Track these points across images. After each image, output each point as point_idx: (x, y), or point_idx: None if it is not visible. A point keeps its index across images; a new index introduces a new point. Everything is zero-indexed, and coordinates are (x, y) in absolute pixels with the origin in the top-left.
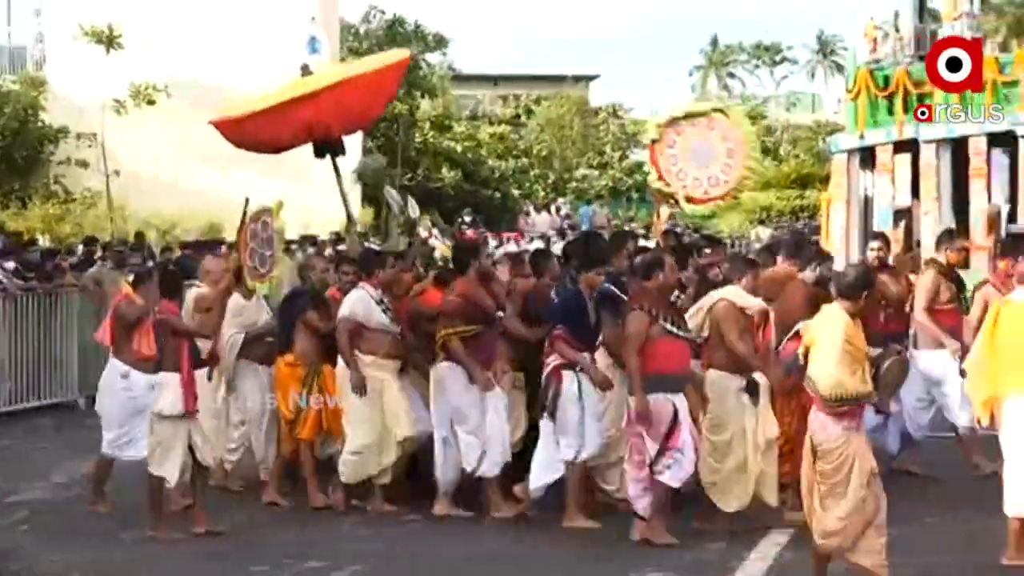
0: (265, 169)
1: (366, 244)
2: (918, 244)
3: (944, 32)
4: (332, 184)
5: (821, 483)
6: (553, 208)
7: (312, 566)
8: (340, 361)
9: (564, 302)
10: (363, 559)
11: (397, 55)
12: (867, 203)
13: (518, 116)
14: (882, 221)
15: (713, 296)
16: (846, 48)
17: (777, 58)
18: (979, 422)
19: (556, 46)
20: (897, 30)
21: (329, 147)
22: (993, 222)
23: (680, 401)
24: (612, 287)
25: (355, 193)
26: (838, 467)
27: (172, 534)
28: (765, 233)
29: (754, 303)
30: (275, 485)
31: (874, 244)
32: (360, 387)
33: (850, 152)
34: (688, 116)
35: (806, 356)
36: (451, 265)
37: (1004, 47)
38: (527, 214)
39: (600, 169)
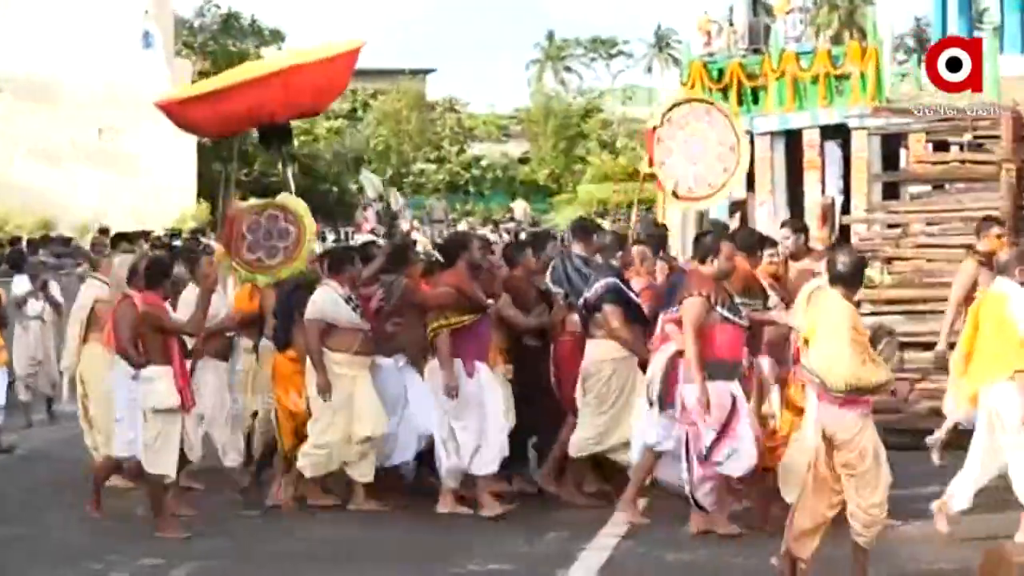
0: (97, 164)
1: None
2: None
3: (778, 27)
4: (166, 177)
5: (850, 474)
6: (393, 199)
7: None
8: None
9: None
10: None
11: (350, 43)
12: None
13: (355, 111)
14: (718, 213)
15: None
16: (681, 42)
17: (613, 52)
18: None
19: (392, 40)
20: (731, 24)
21: (275, 134)
22: (827, 214)
23: (736, 389)
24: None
25: (192, 189)
26: (863, 454)
27: (177, 533)
28: (605, 226)
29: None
30: (292, 484)
31: (784, 232)
32: (325, 390)
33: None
34: (690, 101)
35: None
36: (436, 258)
37: (837, 40)
38: (364, 208)
39: (437, 163)
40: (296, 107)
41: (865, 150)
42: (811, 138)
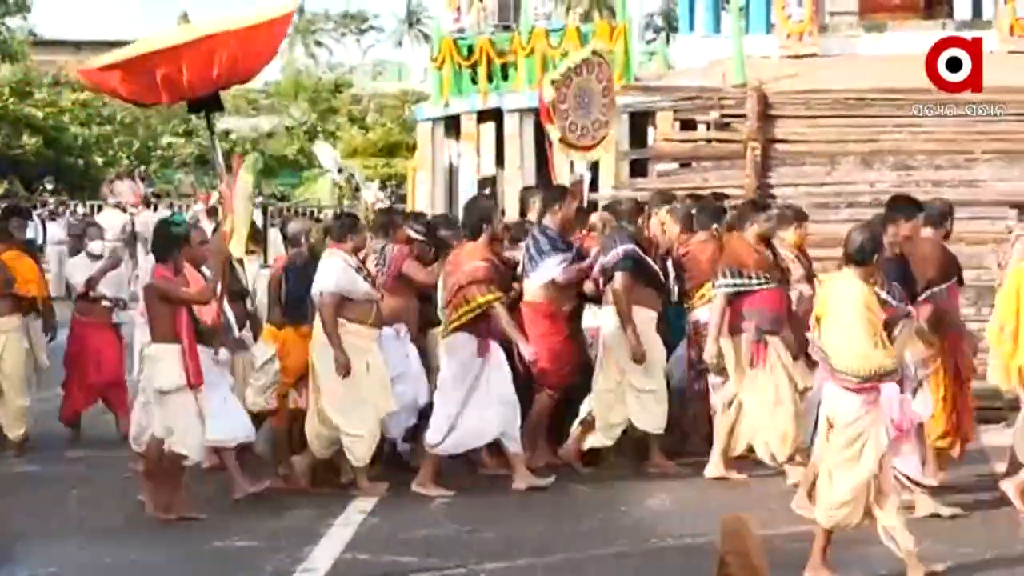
0: None
1: None
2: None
3: (528, 4)
4: None
5: (834, 455)
6: (137, 175)
7: None
8: (317, 336)
9: None
10: None
11: (283, 7)
12: (452, 172)
13: None
14: (467, 190)
15: None
16: (432, 18)
17: (364, 27)
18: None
19: (142, 12)
20: (481, 0)
21: (204, 102)
22: (576, 190)
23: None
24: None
25: None
26: (851, 440)
27: (191, 514)
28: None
29: None
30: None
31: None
32: (346, 369)
33: (435, 121)
34: (572, 67)
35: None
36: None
37: (587, 18)
38: (111, 181)
39: (186, 136)
40: (236, 73)
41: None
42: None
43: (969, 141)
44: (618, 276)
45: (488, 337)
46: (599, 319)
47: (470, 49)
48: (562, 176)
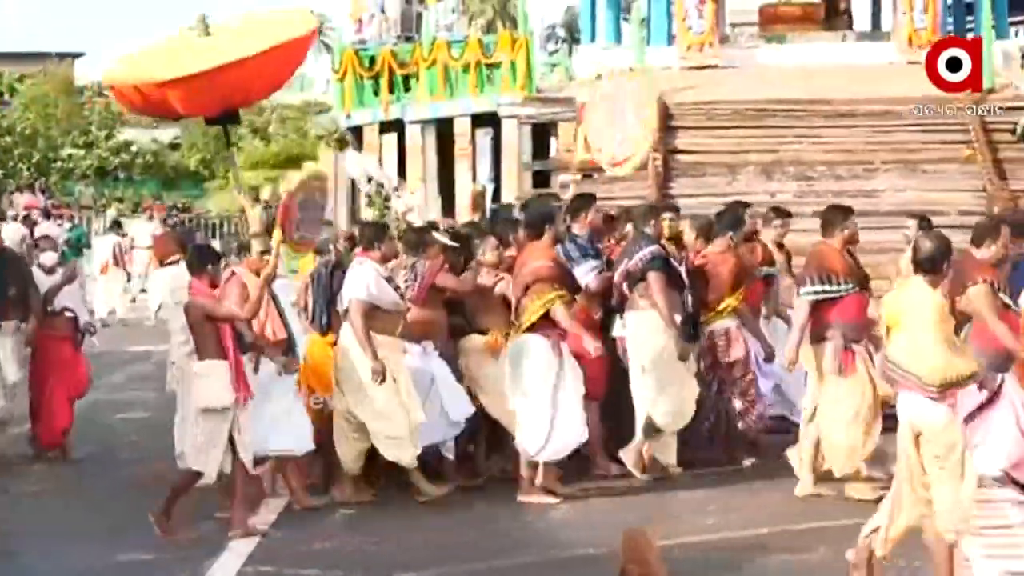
0: None
1: None
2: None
3: (429, 16)
4: None
5: (941, 467)
6: (37, 187)
7: None
8: (345, 344)
9: None
10: None
11: (304, 23)
12: (354, 183)
13: (0, 94)
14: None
15: None
16: (334, 28)
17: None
18: None
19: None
20: (383, 11)
21: (224, 115)
22: (478, 201)
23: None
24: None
25: None
26: (952, 447)
27: (181, 535)
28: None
29: None
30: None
31: (666, 215)
32: (381, 374)
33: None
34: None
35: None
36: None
37: (490, 29)
38: (11, 194)
39: (86, 148)
40: (255, 93)
41: (516, 139)
42: (462, 127)
43: (868, 151)
44: (652, 276)
45: (561, 337)
46: (626, 327)
47: (372, 60)
48: (464, 187)
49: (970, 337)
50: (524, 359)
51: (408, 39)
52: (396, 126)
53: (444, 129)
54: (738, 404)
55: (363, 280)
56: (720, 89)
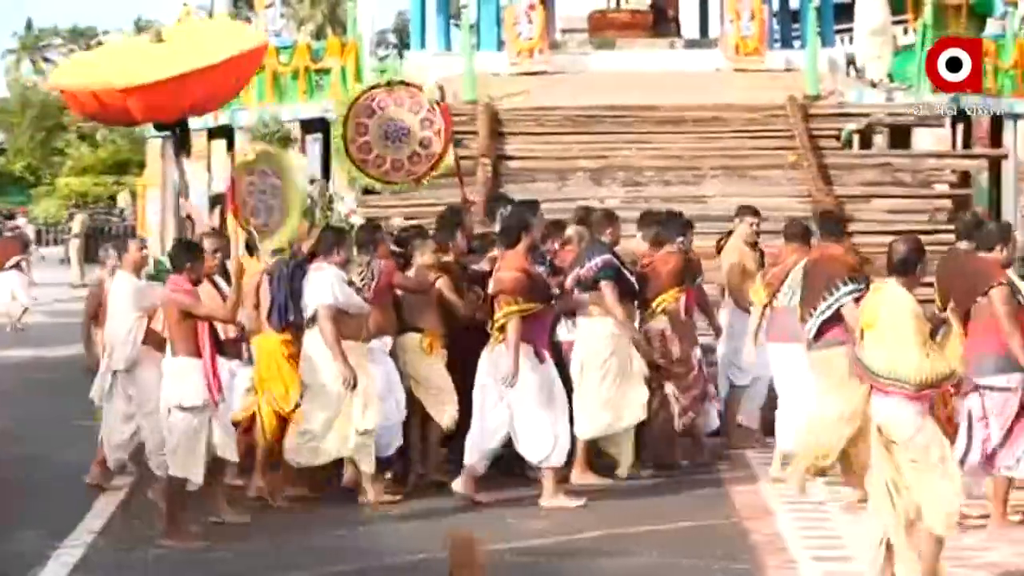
0: None
1: None
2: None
3: (258, 21)
4: None
5: (920, 469)
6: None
7: None
8: (310, 344)
9: None
10: None
11: (256, 36)
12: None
13: None
14: (200, 207)
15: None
16: None
17: (93, 43)
18: None
19: None
20: (211, 16)
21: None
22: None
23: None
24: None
25: None
26: (927, 447)
27: (188, 543)
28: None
29: None
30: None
31: (749, 219)
32: (351, 381)
33: (165, 137)
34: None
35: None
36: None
37: (319, 34)
38: None
39: None
40: (221, 99)
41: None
42: (292, 132)
43: (696, 157)
44: (605, 286)
45: (540, 344)
46: (575, 332)
47: None
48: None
49: (974, 336)
50: (499, 368)
51: None
52: (225, 132)
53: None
54: (682, 402)
55: (327, 285)
56: (550, 95)
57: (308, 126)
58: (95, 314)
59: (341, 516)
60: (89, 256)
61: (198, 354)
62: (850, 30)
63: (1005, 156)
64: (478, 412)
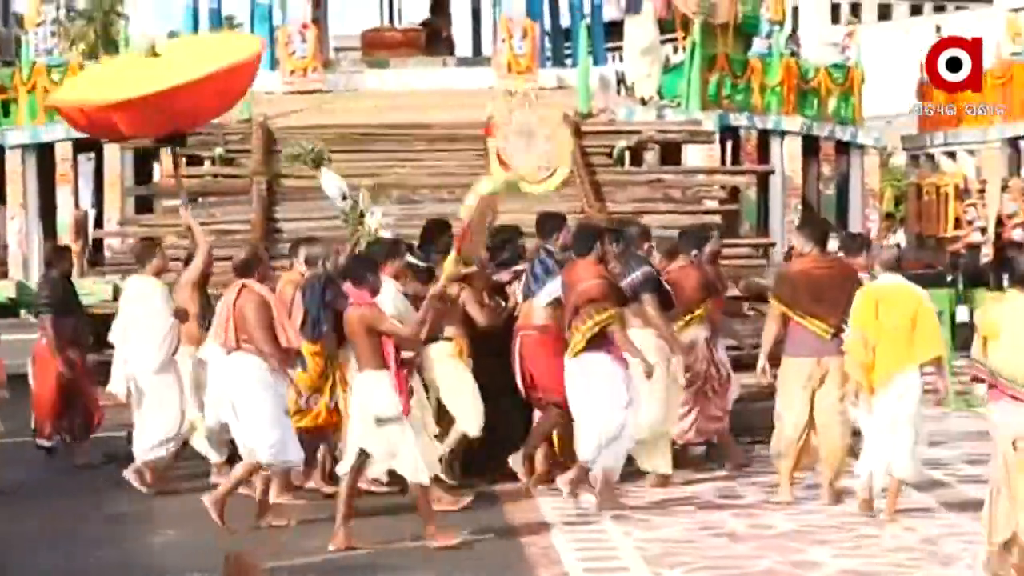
0: None
1: None
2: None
3: (29, 39)
4: None
5: None
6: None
7: None
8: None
9: None
10: None
11: (250, 47)
12: None
13: None
14: None
15: None
16: None
17: None
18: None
19: None
20: None
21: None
22: (80, 226)
23: None
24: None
25: None
26: None
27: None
28: None
29: None
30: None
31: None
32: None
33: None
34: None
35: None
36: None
37: (92, 53)
38: None
39: None
40: (211, 112)
41: (119, 164)
42: (64, 152)
43: (470, 174)
44: (647, 298)
45: (618, 351)
46: None
47: None
48: (66, 212)
49: None
50: (585, 377)
51: (7, 63)
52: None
53: (45, 154)
54: (712, 411)
55: (387, 297)
56: (324, 113)
57: (80, 146)
58: None
59: (104, 530)
60: None
61: (384, 366)
62: (621, 48)
63: (772, 172)
64: (590, 415)
